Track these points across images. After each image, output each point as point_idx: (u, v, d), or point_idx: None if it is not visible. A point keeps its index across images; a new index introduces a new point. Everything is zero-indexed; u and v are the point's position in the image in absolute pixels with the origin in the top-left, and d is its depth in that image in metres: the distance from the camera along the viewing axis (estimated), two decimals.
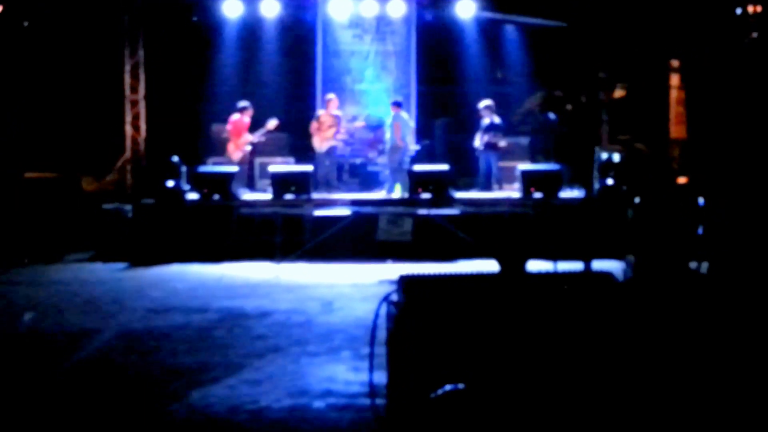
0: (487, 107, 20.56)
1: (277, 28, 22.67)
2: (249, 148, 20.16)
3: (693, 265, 10.69)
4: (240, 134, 19.97)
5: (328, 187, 19.89)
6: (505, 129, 20.88)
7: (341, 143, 21.69)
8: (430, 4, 22.44)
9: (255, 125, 20.16)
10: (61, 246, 18.09)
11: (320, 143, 20.33)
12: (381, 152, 21.29)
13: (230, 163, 19.79)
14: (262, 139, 20.41)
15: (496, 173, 20.60)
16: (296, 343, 10.47)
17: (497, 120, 20.57)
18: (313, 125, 20.42)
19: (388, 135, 20.56)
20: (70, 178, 19.30)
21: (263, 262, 16.80)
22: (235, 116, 20.07)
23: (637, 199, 13.30)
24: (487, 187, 20.49)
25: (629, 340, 6.06)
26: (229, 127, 20.15)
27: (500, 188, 20.42)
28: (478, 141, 20.62)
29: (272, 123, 20.02)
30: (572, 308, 6.09)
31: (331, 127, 20.32)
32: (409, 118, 20.85)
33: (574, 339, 5.98)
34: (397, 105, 20.51)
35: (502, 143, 20.51)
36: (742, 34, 19.27)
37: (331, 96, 20.91)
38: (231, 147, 20.03)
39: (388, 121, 20.51)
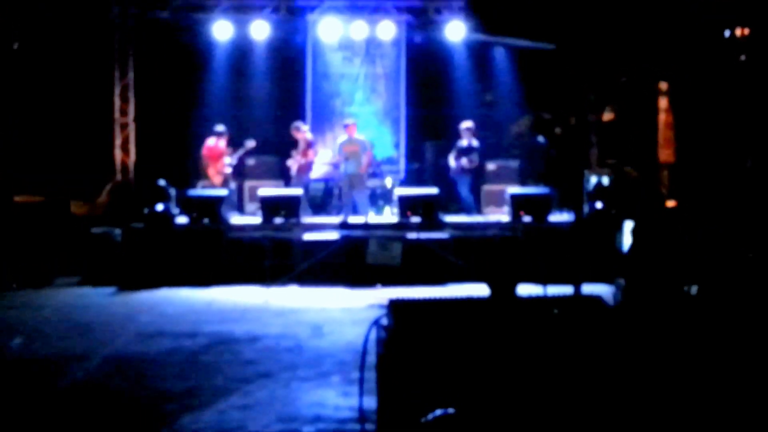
0: (468, 129, 20.66)
1: (267, 50, 22.73)
2: (229, 170, 20.20)
3: (683, 287, 10.71)
4: (218, 159, 20.00)
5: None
6: (483, 152, 20.96)
7: (330, 168, 21.76)
8: (420, 27, 22.53)
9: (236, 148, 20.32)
10: (50, 270, 18.02)
11: (293, 169, 20.32)
12: (373, 175, 21.07)
13: (214, 186, 19.80)
14: (251, 161, 20.54)
15: (466, 197, 20.65)
16: (286, 367, 10.46)
17: (475, 143, 20.65)
18: (294, 151, 20.42)
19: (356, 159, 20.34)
20: (59, 201, 19.24)
21: (253, 287, 16.76)
22: (210, 141, 20.15)
23: (628, 223, 13.30)
24: (476, 210, 20.53)
25: (620, 363, 6.05)
26: (204, 152, 20.18)
27: (478, 212, 20.49)
28: (453, 162, 20.69)
29: (249, 144, 20.08)
30: (562, 332, 6.08)
31: (300, 152, 20.26)
32: None
33: (564, 363, 5.96)
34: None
35: (482, 164, 20.70)
36: (730, 57, 19.35)
37: (297, 123, 20.83)
38: (211, 171, 20.07)
39: (353, 146, 20.20)
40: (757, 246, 12.04)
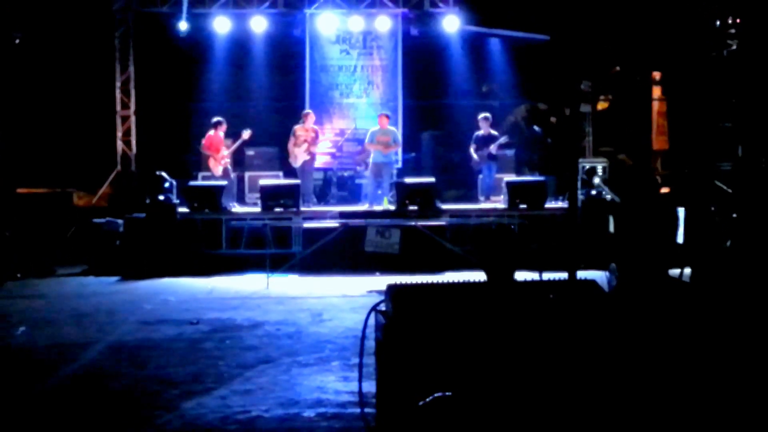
0: (485, 118, 20.78)
1: (266, 43, 22.94)
2: (228, 161, 20.39)
3: (675, 272, 10.82)
4: (218, 149, 20.20)
5: (305, 202, 19.87)
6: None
7: (329, 158, 21.93)
8: (416, 19, 22.67)
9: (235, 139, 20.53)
10: (53, 260, 18.20)
11: (294, 158, 20.48)
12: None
13: (215, 177, 19.98)
14: (251, 152, 20.73)
15: (491, 183, 20.77)
16: (287, 353, 10.54)
17: (494, 132, 20.80)
18: (290, 141, 20.53)
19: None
20: (62, 193, 19.42)
21: (253, 275, 16.95)
22: (210, 132, 20.34)
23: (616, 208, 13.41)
24: (473, 199, 20.69)
25: (615, 347, 6.13)
26: (205, 142, 20.35)
27: (487, 200, 20.63)
28: (475, 151, 20.76)
29: (246, 133, 20.30)
30: (558, 316, 6.13)
31: (305, 142, 20.41)
32: None
33: (559, 346, 6.00)
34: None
35: (498, 151, 20.83)
36: (721, 46, 19.48)
37: (307, 111, 21.12)
38: (212, 162, 20.23)
39: (385, 136, 20.51)
40: (750, 231, 12.21)
